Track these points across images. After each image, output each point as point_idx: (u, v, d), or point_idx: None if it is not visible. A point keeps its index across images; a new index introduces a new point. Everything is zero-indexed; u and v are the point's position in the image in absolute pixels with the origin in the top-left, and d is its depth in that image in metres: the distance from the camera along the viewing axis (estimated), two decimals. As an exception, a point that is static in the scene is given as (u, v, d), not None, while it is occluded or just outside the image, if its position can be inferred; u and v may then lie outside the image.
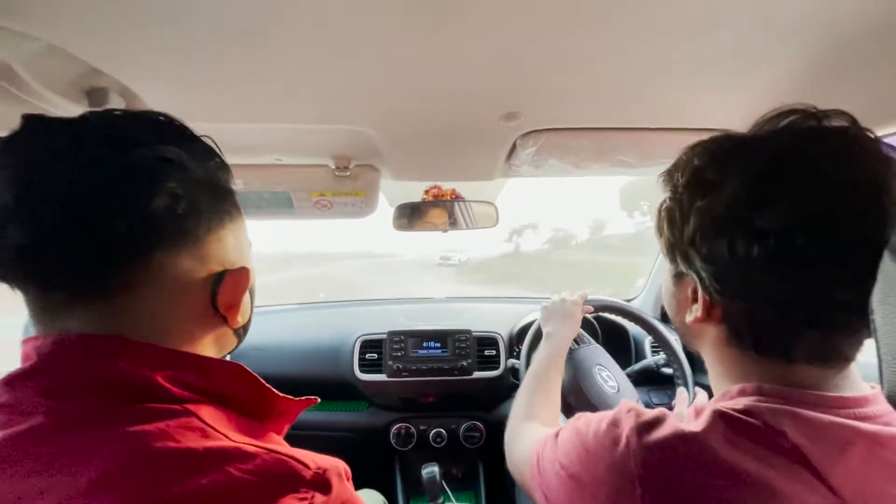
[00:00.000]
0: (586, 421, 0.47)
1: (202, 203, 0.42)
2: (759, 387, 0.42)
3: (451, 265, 19.96)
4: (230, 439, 0.35)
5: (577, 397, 1.03)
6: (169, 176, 0.39)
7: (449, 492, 1.15)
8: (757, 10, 0.49)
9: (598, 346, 1.15)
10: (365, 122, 0.76)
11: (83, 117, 0.40)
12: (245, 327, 0.50)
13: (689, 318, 0.47)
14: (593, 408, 1.04)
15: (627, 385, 1.09)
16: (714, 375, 0.48)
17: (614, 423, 0.43)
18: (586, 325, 1.43)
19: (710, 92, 0.68)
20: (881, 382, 0.30)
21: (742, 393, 0.43)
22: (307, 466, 0.36)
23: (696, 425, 0.40)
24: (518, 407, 0.77)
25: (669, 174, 0.48)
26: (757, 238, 0.38)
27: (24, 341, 0.37)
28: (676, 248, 0.46)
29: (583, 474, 0.43)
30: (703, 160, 0.44)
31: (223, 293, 0.43)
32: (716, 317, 0.45)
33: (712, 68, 0.61)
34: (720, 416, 0.39)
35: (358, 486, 1.17)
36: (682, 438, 0.39)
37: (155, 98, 0.63)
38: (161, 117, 0.43)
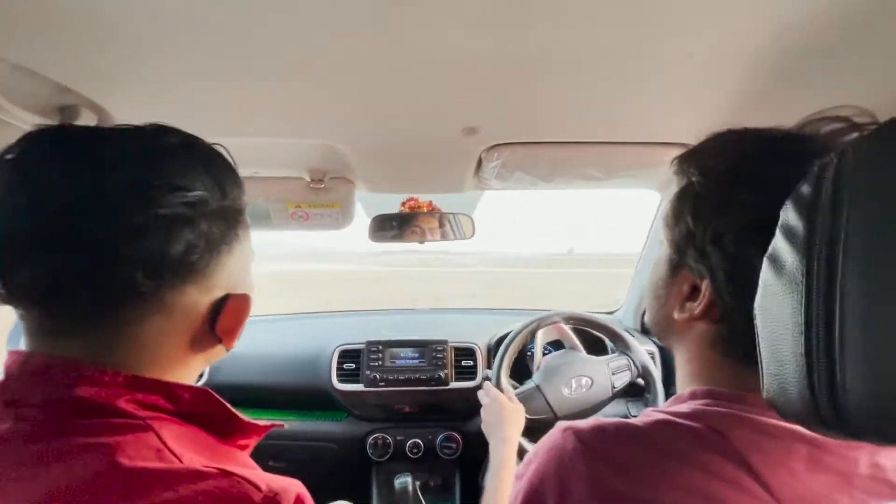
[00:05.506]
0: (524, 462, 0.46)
1: (216, 237, 0.42)
2: (711, 390, 0.41)
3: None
4: (181, 461, 0.36)
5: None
6: (191, 223, 0.39)
7: (424, 503, 1.15)
8: (712, 28, 0.50)
9: (566, 353, 1.18)
10: (335, 136, 0.79)
11: (98, 138, 0.39)
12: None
13: (680, 314, 0.44)
14: (578, 415, 1.06)
15: (601, 371, 1.12)
16: (683, 375, 0.47)
17: (553, 440, 0.42)
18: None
19: (670, 108, 0.69)
20: (762, 385, 0.31)
21: (693, 396, 0.42)
22: (258, 489, 0.36)
23: (637, 422, 0.40)
24: None
25: (696, 156, 0.44)
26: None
27: (11, 353, 0.39)
28: (693, 240, 0.41)
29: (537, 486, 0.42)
30: (756, 148, 0.41)
31: (224, 320, 0.44)
32: (713, 316, 0.41)
33: (670, 84, 0.62)
34: (663, 422, 0.39)
35: (334, 497, 1.17)
36: (618, 424, 0.40)
37: (126, 114, 0.65)
38: (186, 140, 0.42)
